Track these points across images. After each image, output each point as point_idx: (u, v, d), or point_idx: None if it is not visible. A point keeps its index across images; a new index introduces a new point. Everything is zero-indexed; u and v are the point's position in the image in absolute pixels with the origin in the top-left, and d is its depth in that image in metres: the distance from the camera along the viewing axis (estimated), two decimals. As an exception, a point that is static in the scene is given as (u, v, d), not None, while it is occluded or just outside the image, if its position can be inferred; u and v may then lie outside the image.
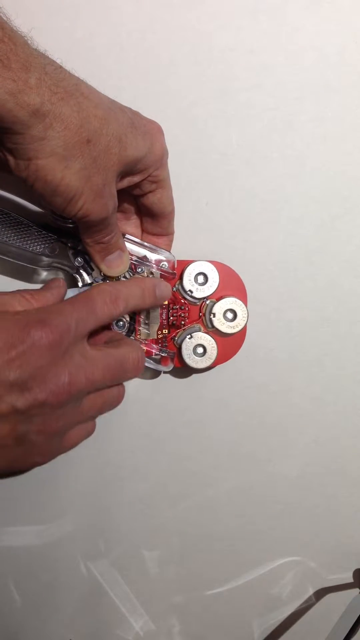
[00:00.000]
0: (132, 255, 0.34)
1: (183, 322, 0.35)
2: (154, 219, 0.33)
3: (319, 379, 0.38)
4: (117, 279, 0.34)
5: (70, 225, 0.32)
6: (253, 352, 0.38)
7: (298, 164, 0.36)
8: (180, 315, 0.35)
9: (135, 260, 0.34)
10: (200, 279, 0.35)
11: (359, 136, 0.36)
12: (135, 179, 0.30)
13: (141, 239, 0.34)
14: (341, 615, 0.39)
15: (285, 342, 0.38)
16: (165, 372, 0.38)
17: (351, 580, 0.41)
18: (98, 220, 0.28)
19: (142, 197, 0.32)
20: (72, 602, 0.41)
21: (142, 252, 0.34)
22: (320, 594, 0.41)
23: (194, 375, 0.38)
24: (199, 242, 0.36)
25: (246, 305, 0.35)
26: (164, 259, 0.34)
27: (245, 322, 0.35)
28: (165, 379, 0.38)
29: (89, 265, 0.33)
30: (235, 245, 0.36)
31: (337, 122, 0.36)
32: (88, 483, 0.38)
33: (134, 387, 0.38)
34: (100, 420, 0.38)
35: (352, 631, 0.36)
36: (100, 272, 0.33)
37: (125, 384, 0.37)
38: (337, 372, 0.38)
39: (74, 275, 0.34)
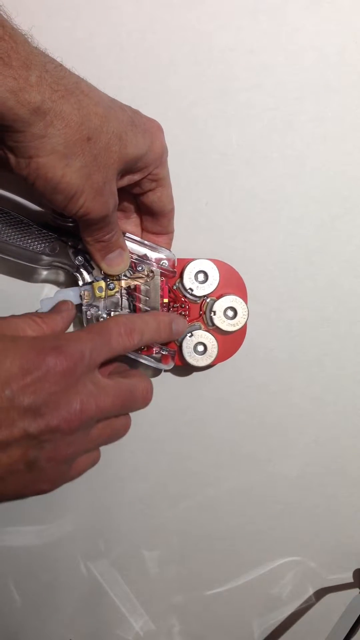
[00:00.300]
0: (132, 253, 0.34)
1: None
2: (154, 218, 0.33)
3: (319, 379, 0.38)
4: (118, 277, 0.34)
5: (71, 224, 0.32)
6: (253, 351, 0.38)
7: (298, 164, 0.36)
8: (180, 314, 0.35)
9: (136, 259, 0.34)
10: (201, 277, 0.35)
11: (359, 136, 0.36)
12: (136, 177, 0.30)
13: (141, 238, 0.34)
14: (341, 615, 0.39)
15: (285, 342, 0.38)
16: (165, 371, 0.38)
17: (351, 580, 0.41)
18: (99, 218, 0.28)
19: (142, 195, 0.32)
20: (72, 602, 0.41)
21: (143, 250, 0.34)
22: (320, 594, 0.41)
23: (194, 375, 0.38)
24: (199, 243, 0.36)
25: (246, 303, 0.35)
26: (164, 257, 0.34)
27: (245, 319, 0.35)
28: (166, 379, 0.38)
29: (89, 264, 0.33)
30: (235, 246, 0.36)
31: (337, 122, 0.36)
32: (88, 483, 0.38)
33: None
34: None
35: (352, 631, 0.36)
36: (101, 270, 0.33)
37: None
38: (337, 372, 0.38)
39: (74, 274, 0.34)
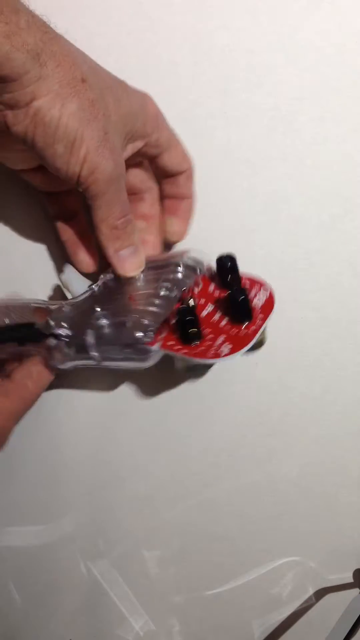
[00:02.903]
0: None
1: None
2: (172, 180, 0.32)
3: (319, 379, 0.38)
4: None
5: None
6: (253, 352, 0.38)
7: (298, 164, 0.36)
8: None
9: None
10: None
11: (359, 136, 0.36)
12: (137, 144, 0.30)
13: (161, 207, 0.33)
14: (341, 615, 0.39)
15: (285, 342, 0.38)
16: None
17: (351, 580, 0.41)
18: (107, 180, 0.27)
19: (153, 161, 0.32)
20: (72, 602, 0.41)
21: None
22: (320, 594, 0.41)
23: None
24: (199, 243, 0.36)
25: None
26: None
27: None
28: (165, 379, 0.38)
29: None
30: (235, 246, 0.36)
31: (337, 122, 0.36)
32: (88, 483, 0.38)
33: (133, 387, 0.38)
34: (100, 420, 0.38)
35: (352, 631, 0.36)
36: (114, 271, 0.30)
37: (125, 384, 0.37)
38: (337, 372, 0.38)
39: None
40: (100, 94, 0.26)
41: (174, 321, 0.30)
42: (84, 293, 0.31)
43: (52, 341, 0.30)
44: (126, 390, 0.38)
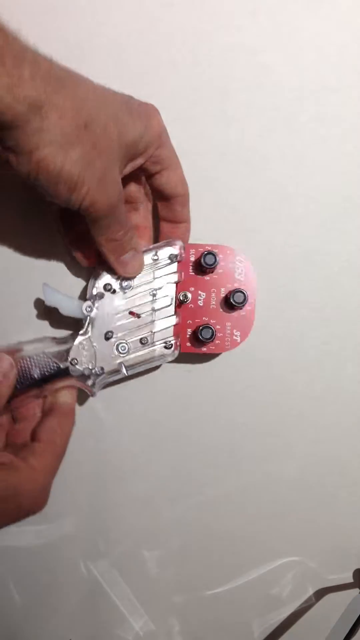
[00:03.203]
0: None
1: None
2: (168, 203, 0.33)
3: (319, 379, 0.38)
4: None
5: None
6: (253, 352, 0.38)
7: (298, 164, 0.36)
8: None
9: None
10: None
11: (359, 136, 0.36)
12: (138, 161, 0.30)
13: (154, 227, 0.34)
14: (341, 615, 0.39)
15: (285, 342, 0.38)
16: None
17: (351, 580, 0.41)
18: (106, 210, 0.28)
19: (150, 180, 0.32)
20: (72, 602, 0.41)
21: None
22: (320, 594, 0.41)
23: (194, 375, 0.38)
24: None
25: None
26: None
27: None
28: (165, 379, 0.38)
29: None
30: (235, 246, 0.36)
31: (337, 122, 0.36)
32: (88, 483, 0.38)
33: (133, 387, 0.38)
34: (99, 421, 0.38)
35: (352, 631, 0.36)
36: (117, 274, 0.32)
37: (124, 383, 0.37)
38: (337, 372, 0.38)
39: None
40: (104, 130, 0.27)
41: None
42: (85, 321, 0.33)
43: (83, 377, 0.33)
44: (126, 391, 0.38)
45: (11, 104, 0.23)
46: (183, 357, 0.35)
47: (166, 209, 0.33)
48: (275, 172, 0.36)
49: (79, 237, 0.33)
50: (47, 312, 0.36)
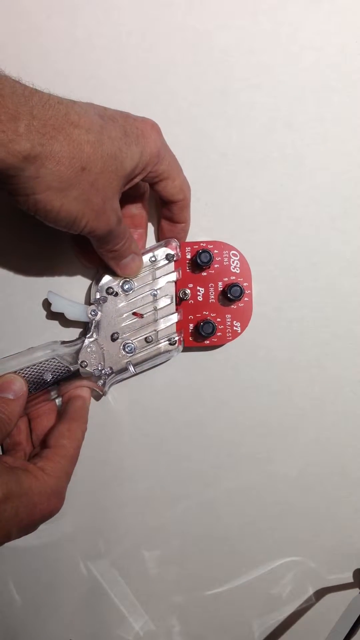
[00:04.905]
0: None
1: None
2: (167, 205, 0.34)
3: (319, 379, 0.38)
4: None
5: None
6: (253, 352, 0.38)
7: (298, 164, 0.36)
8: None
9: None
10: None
11: (359, 136, 0.36)
12: (136, 180, 0.30)
13: (159, 224, 0.35)
14: (341, 615, 0.39)
15: (285, 342, 0.38)
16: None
17: (351, 580, 0.41)
18: (105, 234, 0.29)
19: (151, 186, 0.33)
20: (72, 602, 0.41)
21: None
22: (320, 594, 0.41)
23: (194, 375, 0.38)
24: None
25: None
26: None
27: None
28: (165, 379, 0.38)
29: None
30: (235, 246, 0.36)
31: (337, 122, 0.36)
32: (88, 483, 0.38)
33: (133, 387, 0.38)
34: (99, 421, 0.38)
35: (352, 631, 0.36)
36: (117, 275, 0.34)
37: (124, 383, 0.37)
38: (337, 372, 0.38)
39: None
40: (102, 170, 0.27)
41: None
42: (91, 325, 0.34)
43: (93, 378, 0.34)
44: (126, 390, 0.38)
45: (5, 158, 0.23)
46: (185, 353, 0.36)
47: (166, 209, 0.34)
48: (275, 172, 0.36)
49: (82, 241, 0.33)
50: (55, 317, 0.37)
